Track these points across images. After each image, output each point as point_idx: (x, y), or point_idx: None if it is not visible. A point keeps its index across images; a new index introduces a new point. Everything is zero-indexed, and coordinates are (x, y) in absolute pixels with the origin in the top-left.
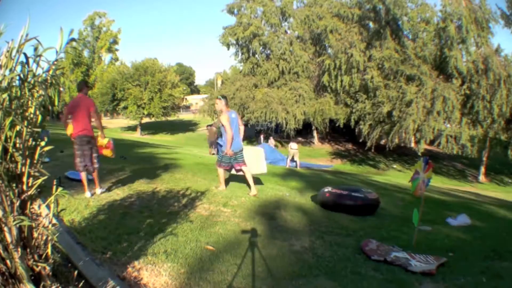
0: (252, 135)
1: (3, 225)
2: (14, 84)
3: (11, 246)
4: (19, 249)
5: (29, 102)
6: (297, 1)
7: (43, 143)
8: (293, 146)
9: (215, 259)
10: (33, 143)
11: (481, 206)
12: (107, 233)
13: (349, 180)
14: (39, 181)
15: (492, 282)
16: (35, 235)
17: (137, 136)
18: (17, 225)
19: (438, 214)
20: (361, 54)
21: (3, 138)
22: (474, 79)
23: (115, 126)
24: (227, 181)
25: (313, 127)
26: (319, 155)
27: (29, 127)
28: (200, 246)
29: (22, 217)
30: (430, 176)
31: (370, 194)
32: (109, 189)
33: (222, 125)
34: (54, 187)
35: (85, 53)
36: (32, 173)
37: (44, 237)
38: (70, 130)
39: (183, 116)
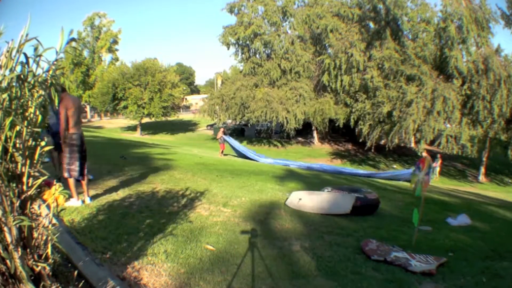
0: (252, 135)
1: (3, 225)
2: (14, 84)
3: (11, 246)
4: (19, 249)
5: (29, 102)
6: (298, 1)
7: (43, 143)
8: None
9: (215, 259)
10: (33, 143)
11: (481, 206)
12: (107, 233)
13: (348, 181)
14: (39, 181)
15: (492, 282)
16: (35, 235)
17: (137, 136)
18: (17, 225)
19: (438, 214)
20: (361, 54)
21: (3, 138)
22: (474, 79)
23: (115, 126)
24: (230, 180)
25: (313, 127)
26: (319, 155)
27: (29, 127)
28: (200, 246)
29: (22, 217)
30: (428, 168)
31: (370, 194)
32: (109, 190)
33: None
34: (54, 187)
35: (85, 53)
36: (32, 173)
37: (44, 237)
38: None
39: (183, 116)
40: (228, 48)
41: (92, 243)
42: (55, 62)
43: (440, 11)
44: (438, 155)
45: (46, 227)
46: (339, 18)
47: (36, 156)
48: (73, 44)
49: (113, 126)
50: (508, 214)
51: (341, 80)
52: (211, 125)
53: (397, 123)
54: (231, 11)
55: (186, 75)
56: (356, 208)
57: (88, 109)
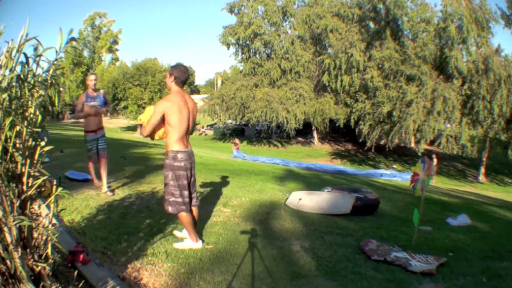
0: (252, 135)
1: (3, 225)
2: (14, 84)
3: (11, 246)
4: (19, 249)
5: (29, 102)
6: (298, 1)
7: (43, 143)
8: None
9: (215, 259)
10: (33, 143)
11: (481, 206)
12: (107, 233)
13: (349, 181)
14: (39, 181)
15: (492, 282)
16: (35, 235)
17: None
18: (17, 225)
19: (438, 214)
20: (361, 54)
21: (3, 138)
22: (474, 79)
23: (115, 126)
24: (227, 180)
25: (313, 127)
26: (319, 155)
27: (29, 127)
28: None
29: (22, 217)
30: (428, 176)
31: (370, 194)
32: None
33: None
34: (54, 187)
35: (85, 53)
36: (32, 173)
37: (44, 237)
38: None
39: None
40: (228, 48)
41: (92, 243)
42: (55, 62)
43: (440, 11)
44: (434, 155)
45: (46, 227)
46: (339, 18)
47: (36, 156)
48: (73, 43)
49: (113, 126)
50: (508, 214)
51: (341, 80)
52: (211, 125)
53: (397, 123)
54: (231, 11)
55: None
56: (356, 208)
57: None
